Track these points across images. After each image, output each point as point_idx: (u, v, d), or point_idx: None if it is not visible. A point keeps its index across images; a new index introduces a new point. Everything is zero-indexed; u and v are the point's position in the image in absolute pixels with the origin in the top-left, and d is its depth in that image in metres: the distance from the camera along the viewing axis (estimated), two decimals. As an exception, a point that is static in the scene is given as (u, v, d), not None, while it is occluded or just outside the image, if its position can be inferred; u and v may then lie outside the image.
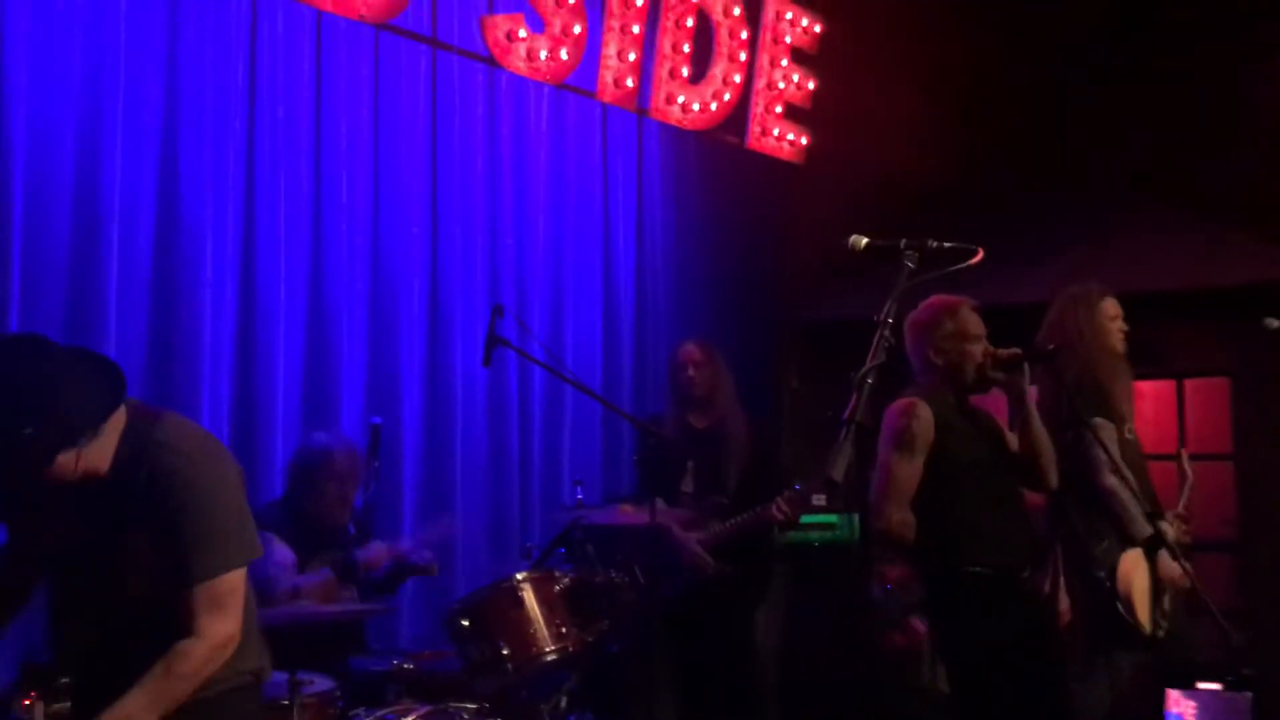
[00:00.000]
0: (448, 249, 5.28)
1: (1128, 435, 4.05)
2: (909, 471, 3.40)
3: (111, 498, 2.24)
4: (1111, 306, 4.17)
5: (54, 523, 2.25)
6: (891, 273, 2.24)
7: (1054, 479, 3.58)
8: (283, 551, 3.80)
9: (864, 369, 1.97)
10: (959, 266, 2.20)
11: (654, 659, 4.42)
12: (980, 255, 2.22)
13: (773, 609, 5.26)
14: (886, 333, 2.06)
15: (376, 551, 3.98)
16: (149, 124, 4.28)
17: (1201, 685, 1.85)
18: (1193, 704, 1.89)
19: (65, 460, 2.11)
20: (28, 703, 2.84)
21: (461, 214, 5.33)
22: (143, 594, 2.25)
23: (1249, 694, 1.88)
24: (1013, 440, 3.57)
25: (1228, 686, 1.85)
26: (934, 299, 3.55)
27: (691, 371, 4.80)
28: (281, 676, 3.20)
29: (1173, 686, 1.84)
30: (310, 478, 3.99)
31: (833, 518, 5.61)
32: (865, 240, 2.25)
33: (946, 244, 2.19)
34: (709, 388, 4.80)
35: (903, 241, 2.18)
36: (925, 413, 3.45)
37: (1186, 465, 4.23)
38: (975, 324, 3.54)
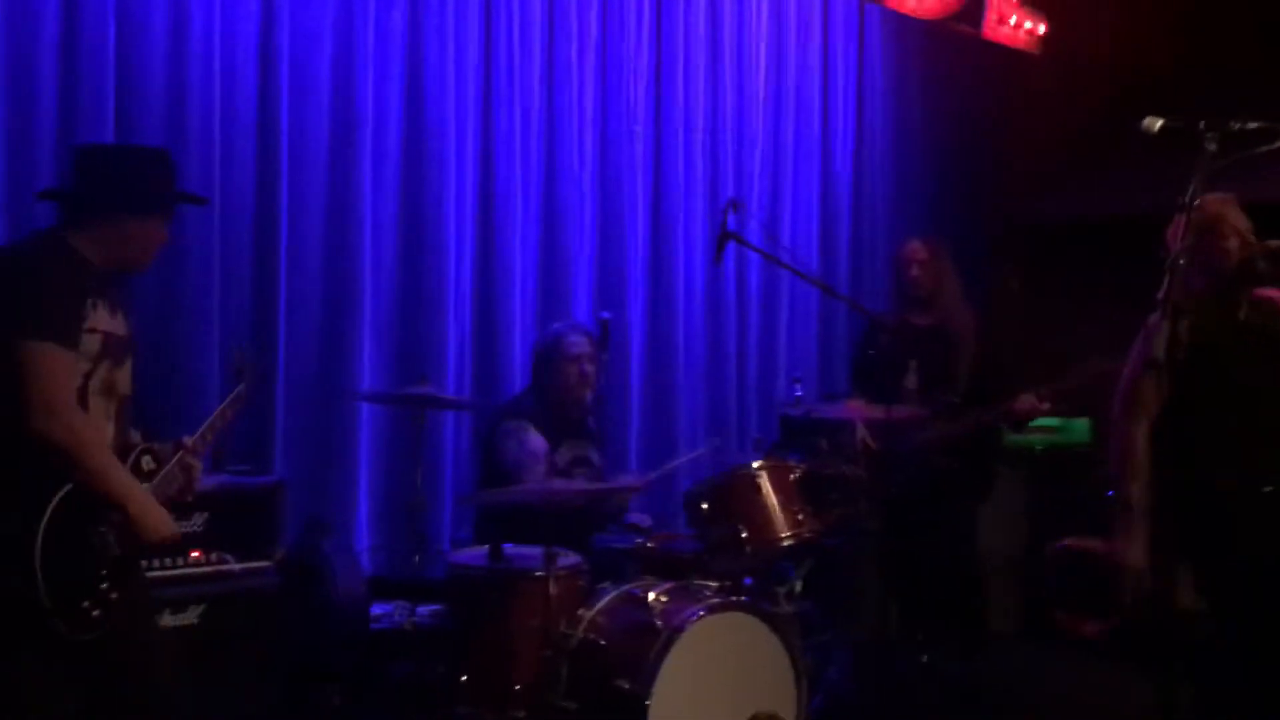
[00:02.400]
0: (669, 147, 5.36)
1: None
2: (1149, 388, 3.30)
3: None
4: None
5: None
6: (1117, 171, 2.18)
7: None
8: (536, 440, 4.00)
9: (1176, 251, 1.95)
10: (1265, 149, 2.12)
11: (878, 553, 4.47)
12: (1288, 137, 2.12)
13: (1004, 512, 5.24)
14: (1193, 214, 2.02)
15: (633, 480, 4.15)
16: (396, 32, 4.50)
17: None
18: None
19: None
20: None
21: (683, 112, 5.39)
22: None
23: None
24: None
25: None
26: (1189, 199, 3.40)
27: (916, 270, 4.74)
28: (536, 550, 3.45)
29: None
30: (550, 360, 4.17)
31: (1054, 421, 5.51)
32: (1160, 122, 2.18)
33: (1250, 124, 2.11)
34: (933, 286, 4.74)
35: (1202, 123, 2.11)
36: (1167, 327, 3.33)
37: None
38: (1230, 218, 3.36)
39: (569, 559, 3.54)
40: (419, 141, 4.57)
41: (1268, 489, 3.32)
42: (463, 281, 4.71)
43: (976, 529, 4.79)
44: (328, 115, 4.33)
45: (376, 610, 3.89)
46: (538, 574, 3.41)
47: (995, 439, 4.85)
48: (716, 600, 3.38)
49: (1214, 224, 3.35)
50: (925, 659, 4.62)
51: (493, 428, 4.14)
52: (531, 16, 4.88)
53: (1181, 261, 1.92)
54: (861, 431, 4.60)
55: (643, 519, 4.25)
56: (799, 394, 4.59)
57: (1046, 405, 4.41)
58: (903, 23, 6.04)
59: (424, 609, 3.75)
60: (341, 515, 4.32)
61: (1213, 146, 2.09)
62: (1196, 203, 3.34)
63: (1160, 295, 1.88)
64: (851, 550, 4.44)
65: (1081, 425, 5.56)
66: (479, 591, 3.53)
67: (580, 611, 3.44)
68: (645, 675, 3.16)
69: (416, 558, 3.67)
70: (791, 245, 5.85)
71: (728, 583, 3.58)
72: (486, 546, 3.61)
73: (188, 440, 2.75)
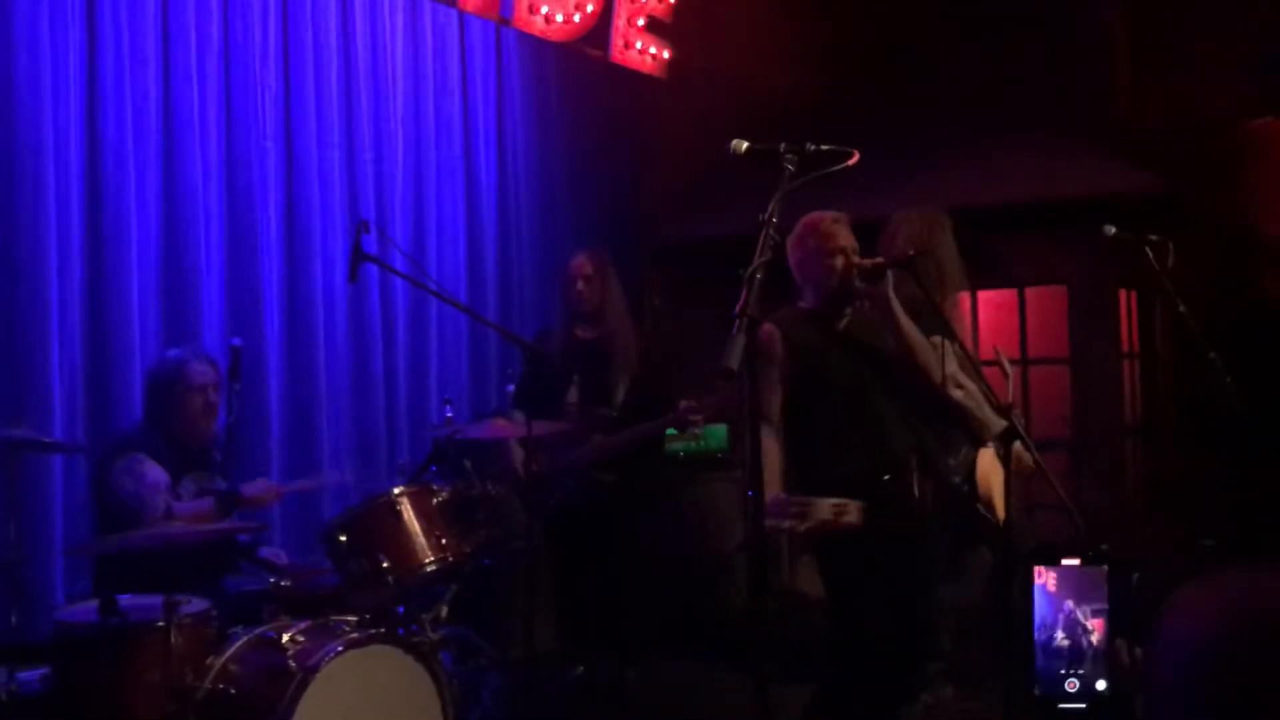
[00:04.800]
0: (304, 163, 5.13)
1: (961, 351, 4.22)
2: (767, 394, 3.53)
3: None
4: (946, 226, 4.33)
5: None
6: (758, 188, 2.31)
7: (936, 373, 3.74)
8: (155, 473, 3.71)
9: (752, 265, 2.05)
10: (835, 168, 2.28)
11: (532, 570, 4.47)
12: (856, 157, 2.30)
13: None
14: (771, 231, 2.13)
15: (263, 489, 3.90)
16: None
17: (1064, 561, 2.03)
18: (1054, 575, 2.06)
19: None
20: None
21: (316, 127, 5.18)
22: None
23: (1105, 567, 2.07)
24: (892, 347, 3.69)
25: (1086, 561, 2.03)
26: (803, 219, 3.66)
27: (580, 285, 4.80)
28: (157, 599, 3.17)
29: (1038, 563, 2.01)
30: (169, 392, 3.88)
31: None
32: (746, 144, 2.31)
33: (824, 147, 2.27)
34: (598, 301, 4.81)
35: (782, 145, 2.26)
36: (775, 336, 3.58)
37: (1004, 362, 4.44)
38: (839, 238, 3.64)
39: (194, 605, 3.28)
40: (9, 155, 4.11)
41: (885, 478, 3.62)
42: (69, 309, 4.27)
43: (638, 540, 4.89)
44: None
45: (-29, 681, 3.45)
46: (157, 624, 3.14)
47: (657, 451, 4.98)
48: (355, 635, 3.25)
49: (822, 242, 3.62)
50: (580, 671, 4.67)
51: (104, 465, 3.79)
52: (143, 19, 4.51)
53: (758, 276, 2.02)
54: (516, 450, 4.59)
55: (277, 554, 4.02)
56: (450, 415, 4.52)
57: (700, 415, 4.57)
58: (540, 44, 6.11)
59: (28, 675, 3.37)
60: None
61: (791, 167, 2.24)
62: (826, 222, 3.63)
63: (735, 309, 1.97)
64: (504, 570, 4.41)
65: (719, 432, 5.83)
66: (89, 649, 3.19)
67: (209, 660, 3.19)
68: (279, 721, 2.98)
69: (13, 618, 3.28)
70: (438, 263, 5.77)
71: (367, 616, 3.44)
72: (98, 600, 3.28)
73: None
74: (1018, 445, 3.37)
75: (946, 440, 4.16)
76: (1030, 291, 6.70)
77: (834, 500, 3.27)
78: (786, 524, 3.21)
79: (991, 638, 4.11)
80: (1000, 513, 4.00)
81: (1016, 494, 4.33)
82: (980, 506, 4.08)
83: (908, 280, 3.70)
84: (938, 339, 3.99)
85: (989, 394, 3.90)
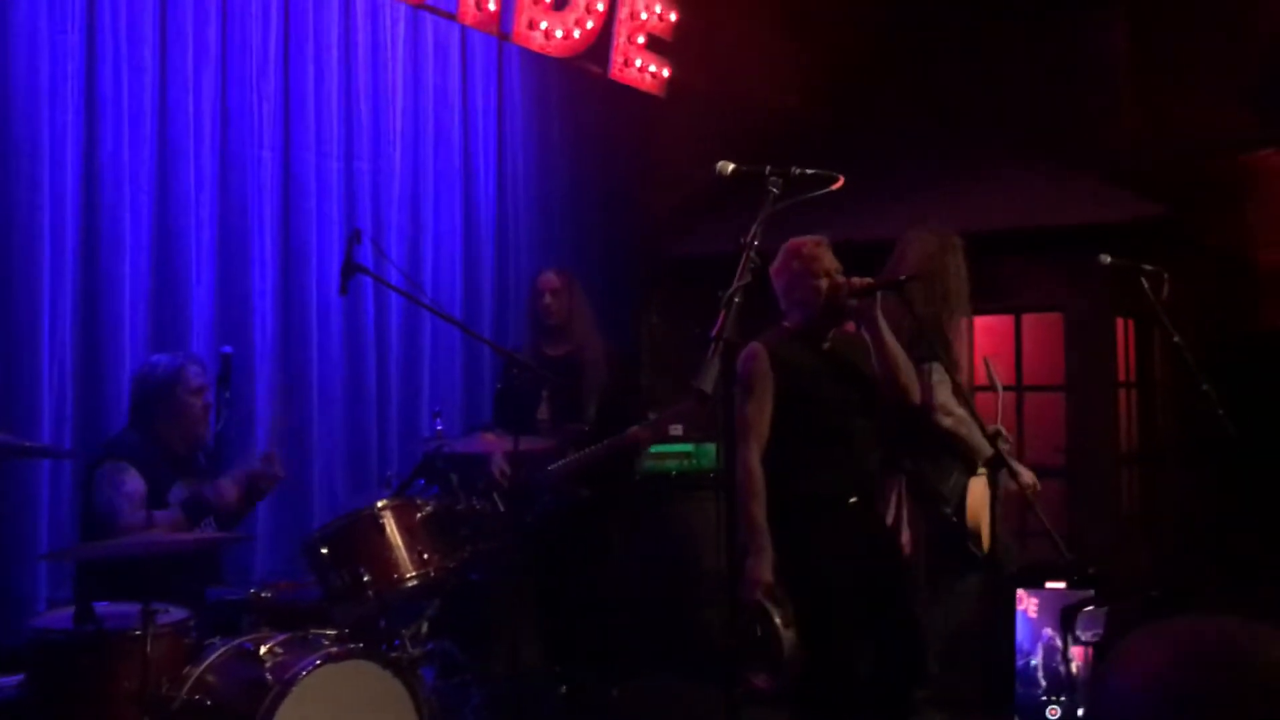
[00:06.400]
0: (301, 173, 5.13)
1: (958, 377, 4.20)
2: (753, 412, 3.54)
3: None
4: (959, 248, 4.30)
5: None
6: (753, 207, 2.30)
7: (916, 394, 3.74)
8: (134, 483, 3.68)
9: (731, 288, 2.04)
10: (820, 192, 2.27)
11: (517, 587, 4.46)
12: (841, 182, 2.29)
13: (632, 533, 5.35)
14: (752, 254, 2.12)
15: (225, 487, 3.88)
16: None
17: (1049, 584, 2.01)
18: (1035, 601, 2.04)
19: None
20: None
21: (315, 137, 5.18)
22: None
23: (1091, 591, 2.04)
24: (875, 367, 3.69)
25: (1071, 585, 2.01)
26: (786, 244, 3.68)
27: (549, 299, 4.81)
28: (134, 607, 3.14)
29: (1022, 586, 1.99)
30: (166, 396, 3.86)
31: (688, 447, 5.72)
32: (732, 166, 2.31)
33: (809, 170, 2.26)
34: (565, 316, 4.83)
35: (767, 168, 2.25)
36: (762, 356, 3.58)
37: (996, 379, 4.41)
38: (823, 260, 3.64)
39: (172, 615, 3.26)
40: (4, 158, 4.10)
41: (852, 500, 3.62)
42: (60, 313, 4.26)
43: (613, 555, 4.88)
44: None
45: (-51, 685, 3.43)
46: (133, 633, 3.11)
47: (630, 466, 4.97)
48: (334, 649, 3.22)
49: (808, 264, 3.62)
50: (564, 689, 4.64)
51: (90, 471, 3.78)
52: (141, 19, 4.51)
53: (735, 299, 2.01)
54: (498, 464, 4.58)
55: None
56: (440, 428, 4.50)
57: (648, 435, 4.57)
58: (540, 60, 6.12)
59: (4, 680, 3.35)
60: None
61: (776, 190, 2.23)
62: (809, 245, 3.64)
63: (713, 332, 1.96)
64: (488, 585, 4.39)
65: (709, 450, 5.80)
66: (65, 656, 3.17)
67: (186, 670, 3.17)
68: (254, 734, 2.95)
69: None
70: (435, 274, 5.76)
71: (347, 630, 3.41)
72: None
73: None
74: (1004, 472, 3.35)
75: (939, 466, 4.14)
76: (1027, 318, 6.69)
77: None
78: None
79: (979, 664, 4.08)
80: (986, 542, 3.97)
81: (1009, 520, 4.31)
82: (969, 537, 4.06)
83: (914, 300, 3.70)
84: (926, 366, 3.97)
85: (978, 420, 3.88)
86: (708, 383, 1.90)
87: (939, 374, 3.99)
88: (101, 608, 3.25)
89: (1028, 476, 4.09)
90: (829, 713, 3.45)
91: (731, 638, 2.59)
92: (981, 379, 4.74)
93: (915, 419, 3.97)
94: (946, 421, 4.04)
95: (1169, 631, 1.04)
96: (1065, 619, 1.96)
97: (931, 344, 3.80)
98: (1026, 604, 2.06)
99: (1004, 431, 4.21)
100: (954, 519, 4.11)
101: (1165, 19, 6.60)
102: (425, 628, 3.77)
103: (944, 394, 4.04)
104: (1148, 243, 5.56)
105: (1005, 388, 4.76)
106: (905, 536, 4.14)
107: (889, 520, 4.11)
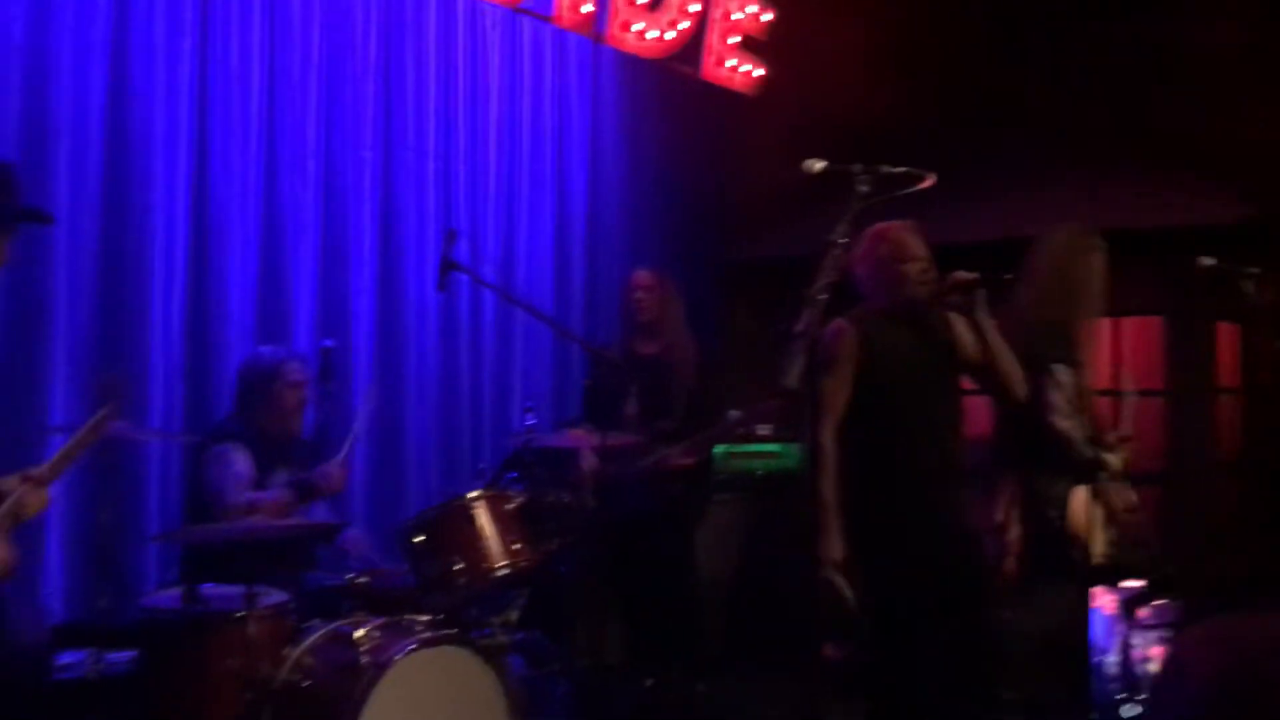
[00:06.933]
0: (400, 173, 5.27)
1: (1082, 380, 4.10)
2: (831, 389, 3.48)
3: None
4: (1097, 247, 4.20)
5: None
6: (840, 207, 2.31)
7: (1020, 391, 3.63)
8: (242, 464, 3.83)
9: (816, 285, 2.05)
10: (909, 190, 2.27)
11: (600, 583, 4.51)
12: (931, 180, 2.29)
13: (722, 536, 5.37)
14: (838, 252, 2.14)
15: (331, 470, 4.00)
16: (99, 33, 4.21)
17: (1125, 583, 1.98)
18: (1112, 599, 2.02)
19: None
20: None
21: (414, 138, 5.32)
22: None
23: (1168, 592, 2.02)
24: (974, 354, 3.63)
25: (1150, 585, 1.98)
26: (870, 229, 3.61)
27: (641, 295, 4.88)
28: (238, 589, 3.28)
29: (1097, 584, 1.97)
30: (258, 388, 4.02)
31: (776, 446, 5.72)
32: (820, 164, 2.32)
33: (898, 169, 2.26)
34: (657, 314, 4.88)
35: (856, 166, 2.26)
36: (848, 333, 3.54)
37: (1126, 387, 4.30)
38: (911, 245, 3.58)
39: (273, 597, 3.39)
40: (123, 154, 4.29)
41: (929, 490, 3.56)
42: (172, 307, 4.44)
43: (693, 554, 4.91)
44: (16, 121, 4.00)
45: (66, 659, 3.61)
46: (237, 614, 3.24)
47: (708, 467, 5.00)
48: (427, 635, 3.31)
49: (897, 250, 3.58)
50: (650, 683, 4.69)
51: (199, 451, 3.94)
52: (251, 26, 4.68)
53: (821, 296, 2.03)
54: (588, 459, 4.65)
55: (356, 541, 4.10)
56: (531, 423, 4.59)
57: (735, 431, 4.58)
58: (636, 61, 6.18)
59: (116, 656, 3.51)
60: (26, 557, 3.97)
61: (864, 188, 2.24)
62: (895, 229, 3.60)
63: (799, 328, 1.98)
64: (575, 578, 4.46)
65: (794, 449, 5.79)
66: (172, 635, 3.32)
67: (285, 651, 3.29)
68: (349, 714, 3.05)
69: (102, 601, 3.42)
70: (527, 273, 5.87)
71: (440, 616, 3.50)
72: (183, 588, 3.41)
73: (34, 471, 2.77)
74: (1111, 485, 3.24)
75: (1051, 469, 4.02)
76: (1125, 322, 6.55)
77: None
78: None
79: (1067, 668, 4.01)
80: (1097, 551, 3.86)
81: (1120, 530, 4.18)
82: (1070, 541, 3.96)
83: (1031, 299, 3.61)
84: (1058, 366, 3.87)
85: (1090, 427, 3.78)
86: (793, 378, 1.93)
87: (1064, 374, 3.90)
88: (207, 589, 3.40)
89: (1125, 498, 3.97)
90: (901, 706, 3.42)
91: (806, 613, 2.59)
92: (1112, 384, 4.62)
93: (1030, 418, 3.89)
94: (1062, 424, 3.93)
95: (1227, 629, 1.04)
96: (1127, 609, 1.94)
97: (1056, 344, 3.70)
98: (1102, 601, 2.04)
99: (1127, 438, 4.10)
100: (1058, 522, 4.01)
101: (1266, 11, 6.41)
102: (515, 616, 3.84)
103: (1060, 395, 3.92)
104: (1249, 245, 5.42)
105: (1106, 392, 4.67)
106: (1013, 534, 4.05)
107: (998, 518, 4.03)
